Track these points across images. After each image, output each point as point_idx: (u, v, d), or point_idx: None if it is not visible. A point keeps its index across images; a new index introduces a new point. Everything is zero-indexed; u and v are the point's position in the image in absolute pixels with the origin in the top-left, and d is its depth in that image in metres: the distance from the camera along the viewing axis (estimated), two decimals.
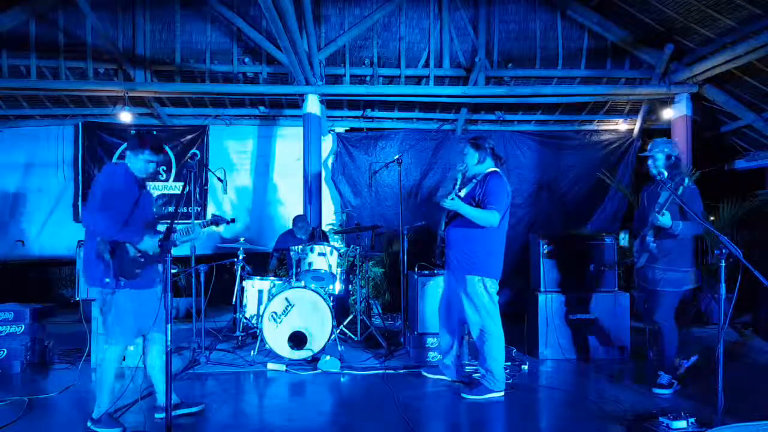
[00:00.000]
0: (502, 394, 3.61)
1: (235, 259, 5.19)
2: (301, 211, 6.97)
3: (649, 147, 3.72)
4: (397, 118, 8.01)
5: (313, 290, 4.59)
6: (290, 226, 6.15)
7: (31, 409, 3.34)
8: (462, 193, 3.63)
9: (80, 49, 6.98)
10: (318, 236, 6.01)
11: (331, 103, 7.59)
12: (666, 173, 3.50)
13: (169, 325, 2.50)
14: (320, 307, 4.54)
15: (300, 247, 4.98)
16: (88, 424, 2.97)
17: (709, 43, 6.15)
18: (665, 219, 3.38)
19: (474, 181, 3.68)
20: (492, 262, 3.62)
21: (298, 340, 4.47)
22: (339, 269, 5.20)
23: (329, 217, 7.61)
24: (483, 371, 3.69)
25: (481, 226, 3.51)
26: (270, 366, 4.34)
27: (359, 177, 7.77)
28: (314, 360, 4.43)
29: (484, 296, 3.60)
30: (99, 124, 7.69)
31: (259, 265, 7.01)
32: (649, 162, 3.68)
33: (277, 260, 6.16)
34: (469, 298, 3.62)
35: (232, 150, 7.94)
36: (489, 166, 3.67)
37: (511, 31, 7.14)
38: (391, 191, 7.69)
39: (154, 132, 3.14)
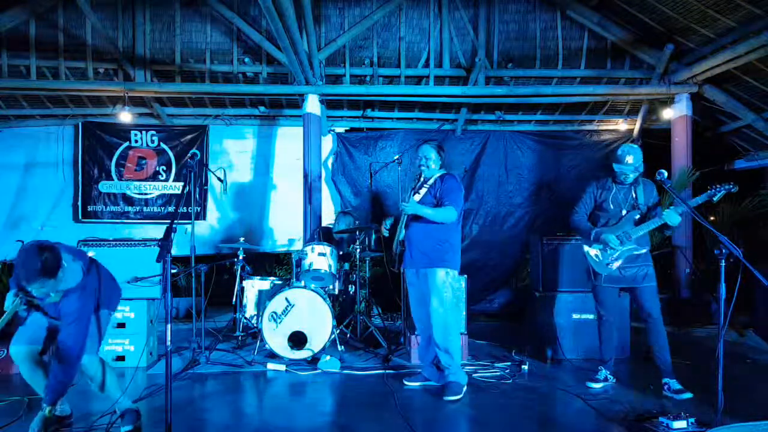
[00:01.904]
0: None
1: (235, 259, 5.19)
2: (301, 212, 6.98)
3: (629, 159, 3.67)
4: (397, 118, 8.01)
5: (313, 290, 4.59)
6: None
7: (31, 409, 3.34)
8: (418, 197, 3.75)
9: (80, 49, 6.98)
10: (318, 236, 6.02)
11: (331, 103, 7.59)
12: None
13: (169, 325, 2.51)
14: (320, 307, 4.54)
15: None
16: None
17: (709, 43, 6.16)
18: (677, 217, 3.49)
19: (429, 182, 3.83)
20: (455, 254, 3.79)
21: (298, 340, 4.47)
22: (339, 269, 5.20)
23: (329, 217, 7.61)
24: (451, 366, 3.72)
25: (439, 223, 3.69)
26: (270, 366, 4.34)
27: (359, 177, 7.76)
28: (314, 360, 4.43)
29: (448, 289, 3.73)
30: (99, 124, 7.69)
31: (258, 265, 7.02)
32: (635, 171, 3.70)
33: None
34: (436, 291, 3.70)
35: (232, 150, 7.93)
36: (442, 170, 3.91)
37: (511, 31, 7.14)
38: (391, 191, 7.69)
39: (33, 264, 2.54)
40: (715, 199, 3.35)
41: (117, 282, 3.19)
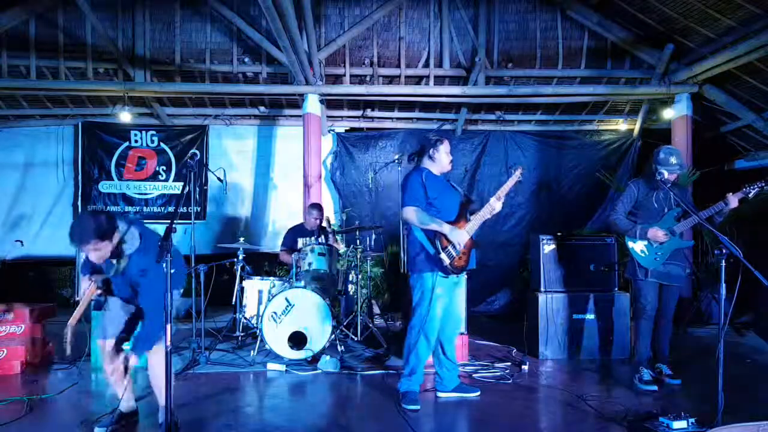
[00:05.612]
0: None
1: (235, 259, 5.19)
2: (301, 212, 6.97)
3: (673, 159, 3.72)
4: (397, 118, 8.01)
5: (312, 290, 4.58)
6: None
7: (31, 409, 3.33)
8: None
9: (80, 49, 6.98)
10: (318, 236, 6.01)
11: (331, 103, 7.59)
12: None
13: (169, 325, 2.50)
14: (320, 307, 4.53)
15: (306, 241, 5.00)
16: None
17: (709, 42, 6.15)
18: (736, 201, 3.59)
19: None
20: None
21: (298, 340, 4.47)
22: (339, 269, 5.20)
23: (329, 217, 7.60)
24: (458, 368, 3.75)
25: None
26: (270, 366, 4.34)
27: (359, 177, 7.76)
28: (314, 360, 4.42)
29: None
30: (99, 124, 7.69)
31: (259, 265, 7.01)
32: (680, 169, 3.77)
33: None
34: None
35: (232, 150, 7.93)
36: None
37: (511, 31, 7.14)
38: (391, 191, 7.68)
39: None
40: (750, 196, 3.45)
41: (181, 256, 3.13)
